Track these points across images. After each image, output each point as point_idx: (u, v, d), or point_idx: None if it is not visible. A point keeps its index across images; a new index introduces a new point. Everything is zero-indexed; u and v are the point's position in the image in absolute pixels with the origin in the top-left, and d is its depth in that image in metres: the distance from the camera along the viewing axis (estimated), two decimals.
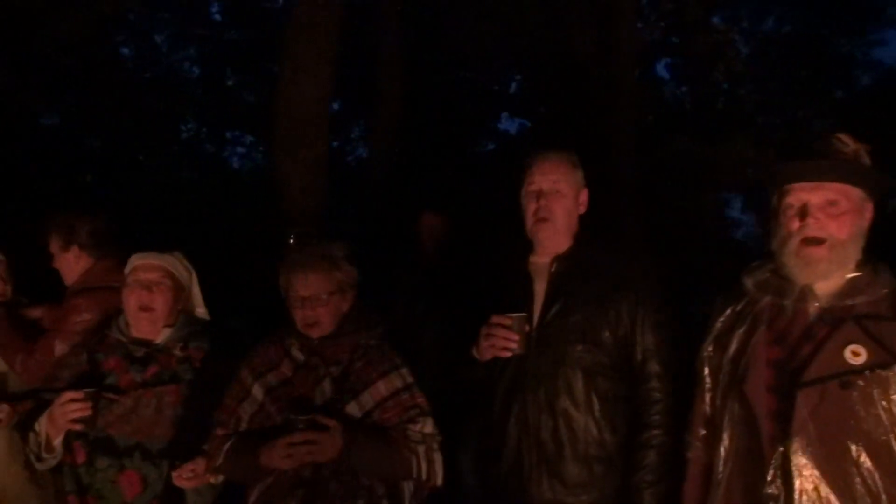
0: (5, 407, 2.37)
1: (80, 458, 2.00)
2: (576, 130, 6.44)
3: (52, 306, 2.58)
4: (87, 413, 1.93)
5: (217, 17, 13.27)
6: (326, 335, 1.92)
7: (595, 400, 1.84)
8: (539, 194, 1.93)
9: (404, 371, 1.92)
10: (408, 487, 1.87)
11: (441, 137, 10.55)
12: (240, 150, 14.37)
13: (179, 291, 2.18)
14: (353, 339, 1.93)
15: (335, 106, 14.02)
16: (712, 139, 7.73)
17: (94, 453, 1.99)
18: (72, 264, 2.58)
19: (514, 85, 11.79)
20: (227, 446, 1.88)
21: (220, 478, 1.98)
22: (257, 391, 1.93)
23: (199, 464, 1.99)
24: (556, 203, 1.93)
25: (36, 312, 2.62)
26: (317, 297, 1.89)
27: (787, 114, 10.45)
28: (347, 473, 1.77)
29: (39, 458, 2.03)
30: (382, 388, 1.88)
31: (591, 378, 1.84)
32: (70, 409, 1.91)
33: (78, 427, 1.95)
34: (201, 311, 2.28)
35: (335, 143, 13.96)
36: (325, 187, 4.61)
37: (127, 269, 2.17)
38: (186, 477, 1.97)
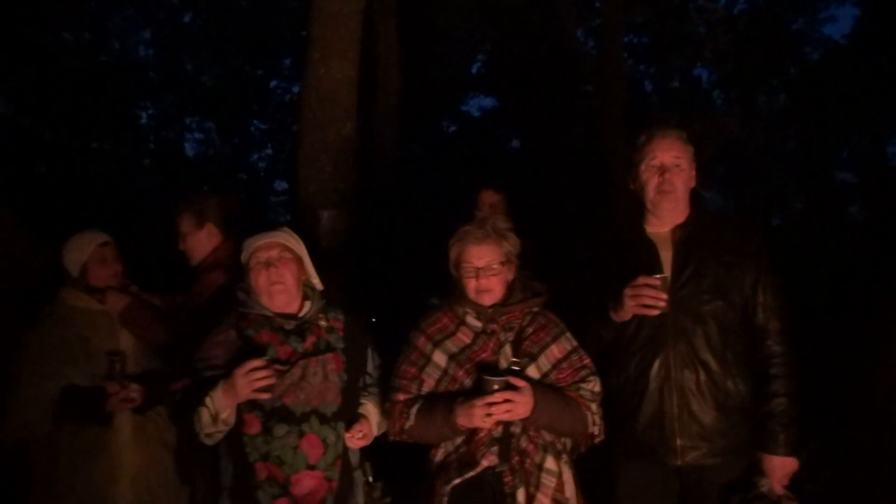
0: (137, 387, 2.43)
1: (255, 428, 2.05)
2: (564, 107, 6.68)
3: (168, 296, 2.65)
4: (272, 381, 1.99)
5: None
6: (498, 303, 2.07)
7: (729, 354, 2.07)
8: (661, 168, 2.13)
9: (569, 335, 2.10)
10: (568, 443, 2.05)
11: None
12: (197, 135, 14.04)
13: (300, 263, 2.27)
14: (523, 307, 2.08)
15: (295, 90, 13.90)
16: (699, 115, 8.12)
17: (271, 422, 2.05)
18: (204, 242, 2.68)
19: (478, 66, 11.98)
20: (414, 409, 2.01)
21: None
22: (439, 357, 2.07)
23: (366, 425, 2.13)
24: (676, 177, 2.14)
25: (154, 300, 2.66)
26: (489, 267, 2.04)
27: (742, 91, 10.95)
28: (534, 430, 1.94)
29: (207, 433, 2.06)
30: (556, 350, 2.05)
31: (725, 334, 2.08)
32: (254, 377, 1.96)
33: (265, 396, 2.00)
34: (316, 281, 2.37)
35: (295, 128, 13.88)
36: (354, 167, 4.69)
37: (246, 254, 2.24)
38: (358, 437, 2.11)
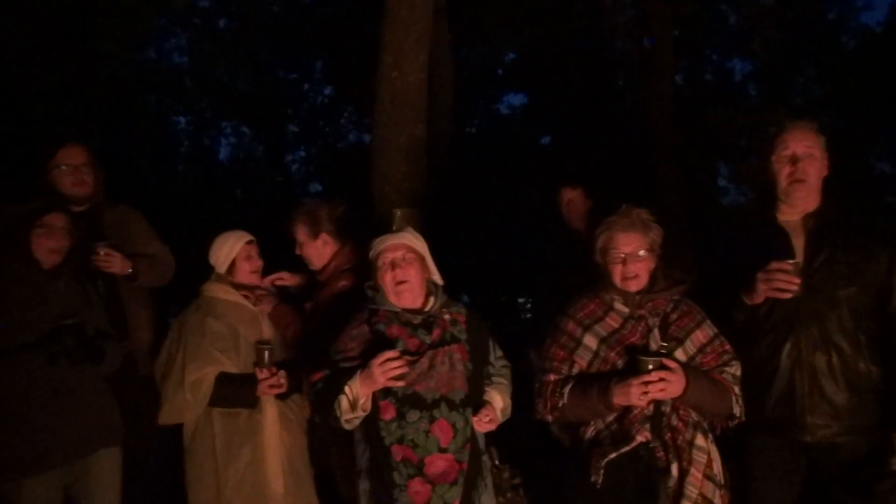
0: (284, 374, 2.58)
1: (389, 414, 2.20)
2: (613, 101, 6.76)
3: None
4: (404, 370, 2.13)
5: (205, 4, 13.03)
6: (643, 290, 2.19)
7: (862, 337, 2.17)
8: (793, 158, 2.23)
9: (709, 321, 2.20)
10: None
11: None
12: (231, 139, 14.26)
13: (423, 262, 2.40)
14: (668, 294, 2.20)
15: (326, 92, 14.08)
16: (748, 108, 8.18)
17: (404, 408, 2.19)
18: (321, 250, 2.83)
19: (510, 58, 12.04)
20: (567, 389, 2.14)
21: None
22: (589, 341, 2.20)
23: (492, 411, 2.26)
24: (809, 166, 2.24)
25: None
26: (635, 254, 2.16)
27: (778, 81, 10.92)
28: (683, 409, 2.05)
29: (346, 419, 2.20)
30: (701, 335, 2.17)
31: (858, 318, 2.18)
32: (389, 367, 2.10)
33: (398, 384, 2.14)
34: (437, 277, 2.48)
35: (328, 130, 14.04)
36: (425, 167, 4.81)
37: (373, 253, 2.38)
38: (485, 422, 2.24)
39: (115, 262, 2.73)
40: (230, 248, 2.74)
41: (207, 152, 14.02)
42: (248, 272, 2.75)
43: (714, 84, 11.11)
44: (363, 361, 2.16)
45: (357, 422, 2.22)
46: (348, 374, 2.18)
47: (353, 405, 2.17)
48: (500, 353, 2.45)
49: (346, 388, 2.16)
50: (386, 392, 2.19)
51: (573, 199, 3.77)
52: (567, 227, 3.80)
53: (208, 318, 2.64)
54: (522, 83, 11.76)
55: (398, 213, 4.77)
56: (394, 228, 4.70)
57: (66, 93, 5.98)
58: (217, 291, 2.73)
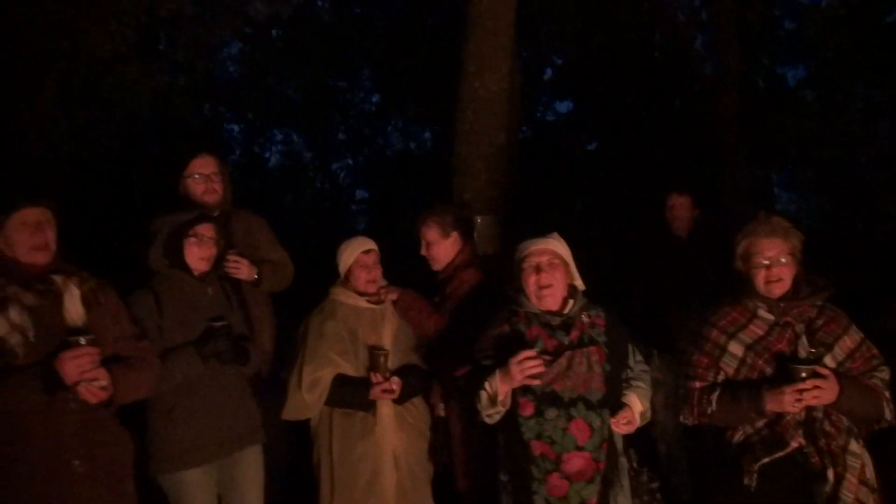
0: (397, 380, 2.67)
1: (528, 410, 2.28)
2: (681, 108, 6.75)
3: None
4: (542, 369, 2.20)
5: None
6: (788, 297, 2.22)
7: None
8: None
9: (855, 326, 2.23)
10: None
11: None
12: (279, 146, 14.52)
13: (566, 266, 2.45)
14: (812, 300, 2.23)
15: (374, 100, 14.25)
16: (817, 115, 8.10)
17: (542, 406, 2.26)
18: (448, 249, 2.93)
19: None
20: (715, 395, 2.19)
21: None
22: (734, 348, 2.25)
23: (630, 413, 2.31)
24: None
25: None
26: (778, 259, 2.20)
27: (834, 87, 10.76)
28: (835, 414, 2.09)
29: (487, 414, 2.30)
30: (849, 341, 2.20)
31: None
32: (527, 365, 2.17)
33: (535, 382, 2.22)
34: (579, 282, 2.53)
35: (380, 141, 14.21)
36: (507, 175, 4.88)
37: (519, 255, 2.45)
38: (623, 424, 2.29)
39: (243, 269, 2.85)
40: (348, 256, 2.84)
41: (258, 159, 14.28)
42: (364, 281, 2.84)
43: (769, 90, 11.00)
44: (503, 360, 2.23)
45: (497, 417, 2.31)
46: (488, 371, 2.27)
47: (493, 401, 2.25)
48: (639, 357, 2.50)
49: (486, 385, 2.26)
50: (525, 389, 2.27)
51: (679, 206, 3.83)
52: (668, 233, 3.85)
53: (329, 321, 2.75)
54: (571, 89, 11.76)
55: (479, 219, 4.85)
56: (475, 235, 4.80)
57: (154, 101, 6.19)
58: (339, 294, 2.84)
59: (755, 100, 10.96)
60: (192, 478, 2.41)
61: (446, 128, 14.07)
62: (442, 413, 2.86)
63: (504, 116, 4.88)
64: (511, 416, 2.29)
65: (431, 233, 2.97)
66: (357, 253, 2.84)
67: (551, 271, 2.37)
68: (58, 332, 2.03)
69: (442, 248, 2.97)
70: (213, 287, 2.57)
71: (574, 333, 2.35)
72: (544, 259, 2.38)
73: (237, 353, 2.45)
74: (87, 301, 2.10)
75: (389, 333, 2.83)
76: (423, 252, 3.01)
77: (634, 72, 8.33)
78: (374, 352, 2.67)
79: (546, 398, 2.26)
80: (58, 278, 2.09)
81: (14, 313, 1.97)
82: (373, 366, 2.67)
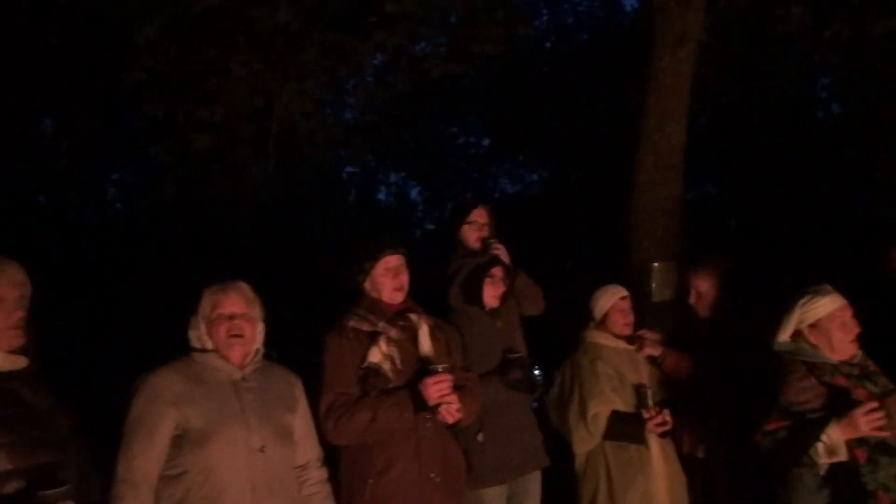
0: (667, 412, 2.90)
1: (863, 459, 2.38)
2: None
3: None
4: (885, 420, 2.34)
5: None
6: None
7: None
8: None
9: None
10: None
11: None
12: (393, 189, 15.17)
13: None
14: None
15: (485, 143, 14.76)
16: None
17: (875, 455, 2.37)
18: (712, 298, 3.17)
19: None
20: None
21: None
22: None
23: None
24: None
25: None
26: None
27: None
28: None
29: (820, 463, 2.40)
30: None
31: None
32: (873, 417, 2.32)
33: (884, 434, 2.35)
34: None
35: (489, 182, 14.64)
36: (681, 224, 5.11)
37: (828, 311, 2.54)
38: None
39: (503, 250, 3.05)
40: (605, 301, 3.12)
41: (371, 200, 14.94)
42: (620, 324, 3.11)
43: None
44: (827, 412, 2.38)
45: (826, 467, 2.40)
46: (818, 424, 2.39)
47: (830, 451, 2.36)
48: None
49: (824, 437, 2.37)
50: (860, 440, 2.37)
51: None
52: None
53: (598, 362, 3.02)
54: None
55: (656, 266, 5.07)
56: (652, 284, 5.02)
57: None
58: (599, 338, 3.12)
59: None
60: (493, 494, 2.68)
61: (554, 172, 14.30)
62: (702, 455, 3.06)
63: (682, 168, 5.13)
64: (845, 467, 2.38)
65: (704, 284, 3.22)
66: (615, 299, 3.12)
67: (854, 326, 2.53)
68: (414, 361, 2.39)
69: (710, 298, 3.22)
70: (501, 321, 2.89)
71: (881, 382, 2.50)
72: (847, 315, 2.53)
73: (529, 383, 2.76)
74: (432, 335, 2.46)
75: (646, 372, 3.08)
76: (692, 301, 3.25)
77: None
78: (642, 389, 2.93)
79: (878, 447, 2.37)
80: (413, 316, 2.46)
81: (384, 345, 2.34)
82: (641, 403, 2.92)
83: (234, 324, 2.12)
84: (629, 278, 4.76)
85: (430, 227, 15.30)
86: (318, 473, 2.27)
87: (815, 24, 6.65)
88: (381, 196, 15.00)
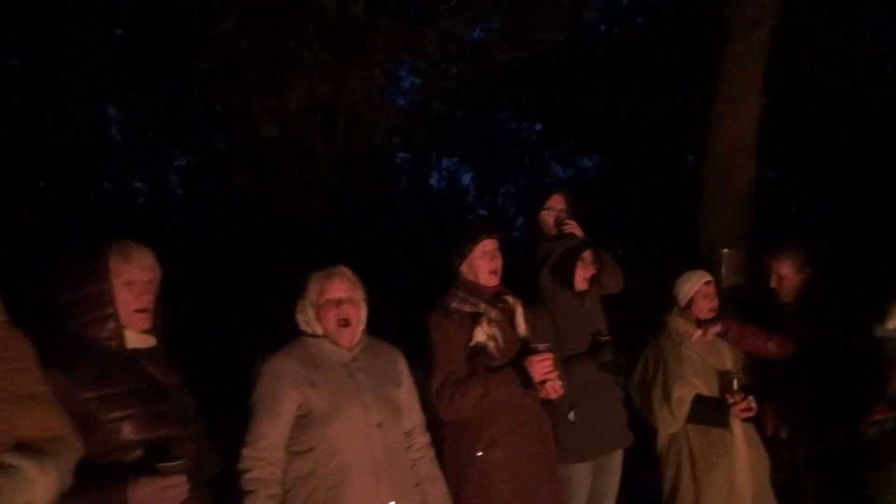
0: (752, 398, 2.94)
1: None
2: None
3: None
4: None
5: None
6: None
7: None
8: None
9: None
10: None
11: None
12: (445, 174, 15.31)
13: None
14: None
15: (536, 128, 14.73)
16: None
17: None
18: (798, 284, 3.19)
19: None
20: None
21: None
22: None
23: None
24: None
25: None
26: None
27: None
28: None
29: None
30: None
31: None
32: None
33: None
34: None
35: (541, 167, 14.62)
36: (753, 209, 5.08)
37: None
38: None
39: (575, 226, 3.11)
40: (690, 287, 3.17)
41: (423, 186, 15.09)
42: (706, 309, 3.16)
43: None
44: None
45: None
46: None
47: None
48: None
49: None
50: None
51: None
52: None
53: (682, 346, 3.08)
54: None
55: (725, 252, 5.07)
56: (722, 270, 5.01)
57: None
58: (681, 324, 3.18)
59: None
60: (581, 471, 2.79)
61: (609, 156, 14.15)
62: (785, 435, 3.10)
63: (753, 153, 5.09)
64: None
65: (785, 267, 3.25)
66: (699, 284, 3.16)
67: None
68: (513, 341, 2.50)
69: (792, 282, 3.26)
70: (588, 303, 2.98)
71: None
72: None
73: (618, 364, 2.84)
74: (525, 317, 2.56)
75: (730, 357, 3.13)
76: (773, 285, 3.28)
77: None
78: (728, 375, 2.99)
79: None
80: (509, 298, 2.57)
81: (487, 325, 2.45)
82: (727, 388, 2.98)
83: (341, 309, 2.22)
84: (700, 262, 4.79)
85: (482, 212, 15.43)
86: (423, 439, 2.39)
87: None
88: (433, 182, 15.19)
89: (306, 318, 2.26)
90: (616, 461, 2.92)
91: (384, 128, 7.07)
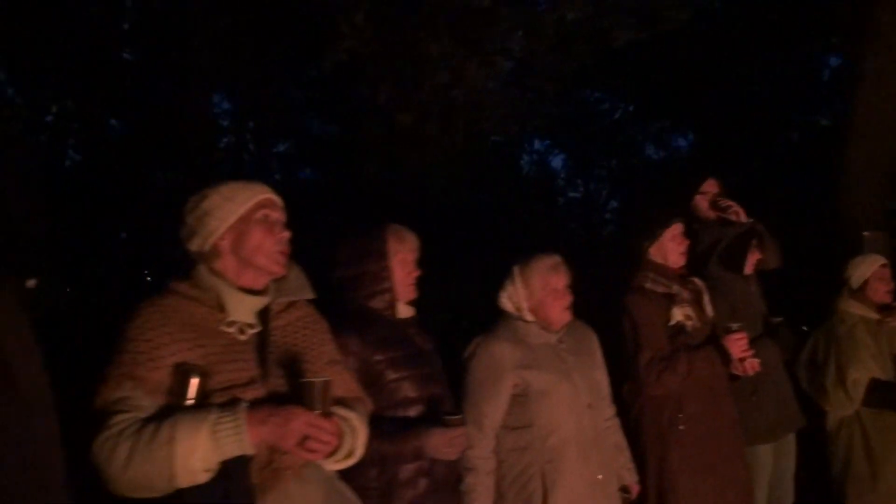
0: None
1: None
2: None
3: None
4: None
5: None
6: None
7: None
8: None
9: None
10: None
11: None
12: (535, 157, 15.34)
13: None
14: None
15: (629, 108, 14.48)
16: None
17: None
18: None
19: None
20: None
21: None
22: None
23: None
24: None
25: None
26: None
27: None
28: None
29: None
30: None
31: None
32: None
33: None
34: None
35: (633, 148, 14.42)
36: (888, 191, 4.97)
37: None
38: None
39: (736, 209, 3.16)
40: (865, 269, 3.19)
41: (511, 167, 15.14)
42: (882, 292, 3.18)
43: None
44: None
45: None
46: None
47: None
48: None
49: None
50: None
51: None
52: None
53: (856, 329, 3.12)
54: None
55: (866, 235, 4.97)
56: (864, 252, 4.93)
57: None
58: (852, 306, 3.20)
59: None
60: (766, 450, 2.89)
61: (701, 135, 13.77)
62: None
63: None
64: None
65: None
66: (875, 266, 3.18)
67: None
68: (704, 321, 2.64)
69: None
70: (754, 285, 3.08)
71: None
72: None
73: (790, 346, 2.93)
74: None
75: None
76: None
77: None
78: None
79: None
80: (696, 280, 2.70)
81: (682, 305, 2.59)
82: None
83: (567, 299, 2.38)
84: (840, 245, 4.74)
85: (574, 194, 15.38)
86: (611, 410, 2.55)
87: None
88: (524, 164, 15.23)
89: (516, 303, 2.40)
90: (792, 442, 3.00)
91: (503, 114, 7.23)
